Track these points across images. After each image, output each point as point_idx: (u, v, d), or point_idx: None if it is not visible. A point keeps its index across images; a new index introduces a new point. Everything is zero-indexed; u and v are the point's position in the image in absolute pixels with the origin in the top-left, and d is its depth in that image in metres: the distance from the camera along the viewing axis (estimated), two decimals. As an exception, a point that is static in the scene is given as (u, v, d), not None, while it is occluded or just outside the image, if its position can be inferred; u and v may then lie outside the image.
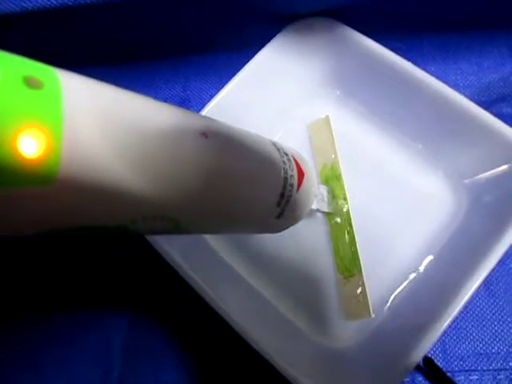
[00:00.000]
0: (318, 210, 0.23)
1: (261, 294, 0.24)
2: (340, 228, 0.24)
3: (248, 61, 0.25)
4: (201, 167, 0.14)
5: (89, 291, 0.25)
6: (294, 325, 0.23)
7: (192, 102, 0.29)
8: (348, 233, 0.23)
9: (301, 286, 0.24)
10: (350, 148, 0.25)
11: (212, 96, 0.25)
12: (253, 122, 0.26)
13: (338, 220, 0.24)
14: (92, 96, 0.11)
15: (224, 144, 0.15)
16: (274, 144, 0.19)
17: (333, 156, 0.25)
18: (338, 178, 0.24)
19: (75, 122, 0.10)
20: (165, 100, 0.29)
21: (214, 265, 0.24)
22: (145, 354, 0.24)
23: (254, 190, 0.16)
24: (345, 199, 0.24)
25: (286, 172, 0.18)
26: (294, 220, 0.19)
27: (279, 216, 0.18)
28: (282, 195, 0.17)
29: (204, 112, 0.24)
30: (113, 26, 0.27)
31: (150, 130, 0.12)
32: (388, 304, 0.23)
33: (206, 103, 0.24)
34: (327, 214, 0.24)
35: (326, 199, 0.24)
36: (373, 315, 0.22)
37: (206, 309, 0.20)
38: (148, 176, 0.12)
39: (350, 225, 0.23)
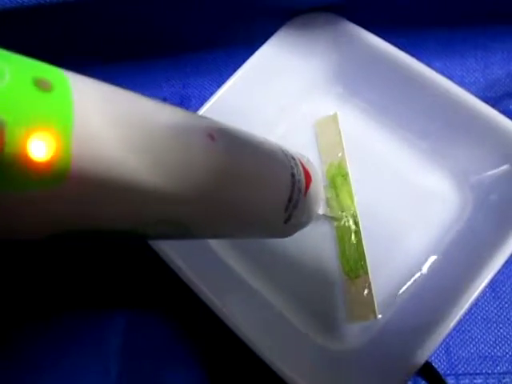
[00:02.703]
0: (323, 215, 0.23)
1: (263, 297, 0.23)
2: (346, 228, 0.24)
3: (249, 57, 0.25)
4: (208, 169, 0.14)
5: (86, 291, 0.25)
6: (297, 327, 0.23)
7: (192, 99, 0.29)
8: (355, 233, 0.23)
9: (304, 288, 0.23)
10: (353, 146, 0.25)
11: (213, 93, 0.24)
12: (254, 118, 0.26)
13: (344, 221, 0.24)
14: (101, 99, 0.11)
15: (231, 147, 0.15)
16: (282, 148, 0.18)
17: (340, 154, 0.25)
18: (345, 176, 0.24)
19: (85, 125, 0.10)
20: (165, 98, 0.29)
21: (215, 267, 0.23)
22: (143, 354, 0.24)
23: (261, 194, 0.16)
24: (351, 198, 0.24)
25: (293, 176, 0.17)
26: (301, 225, 0.19)
27: (286, 221, 0.17)
28: (290, 200, 0.17)
29: (204, 109, 0.24)
30: (111, 23, 0.27)
31: (158, 132, 0.12)
32: (391, 305, 0.22)
33: (207, 100, 0.24)
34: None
35: (331, 204, 0.23)
36: (379, 317, 0.21)
37: (205, 308, 0.20)
38: (156, 179, 0.12)
39: (357, 225, 0.23)
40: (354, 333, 0.22)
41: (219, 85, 0.24)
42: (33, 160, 0.09)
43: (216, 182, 0.14)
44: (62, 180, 0.10)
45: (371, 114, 0.26)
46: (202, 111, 0.24)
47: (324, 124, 0.26)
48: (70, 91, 0.10)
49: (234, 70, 0.24)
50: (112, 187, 0.11)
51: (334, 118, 0.25)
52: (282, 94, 0.26)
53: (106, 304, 0.25)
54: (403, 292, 0.23)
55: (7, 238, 0.10)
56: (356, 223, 0.23)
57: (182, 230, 0.14)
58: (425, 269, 0.23)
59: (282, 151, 0.18)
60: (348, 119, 0.26)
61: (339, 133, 0.25)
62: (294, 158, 0.18)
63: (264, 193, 0.16)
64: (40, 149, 0.09)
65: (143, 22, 0.27)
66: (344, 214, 0.24)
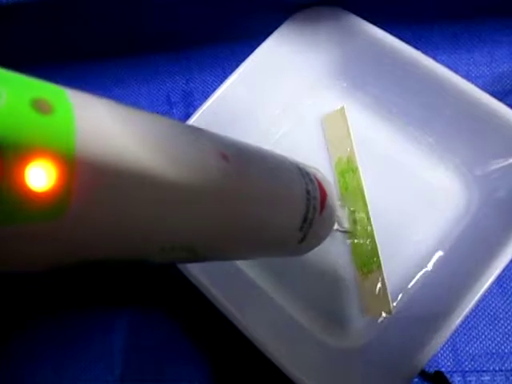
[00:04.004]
0: (337, 230, 0.22)
1: (268, 295, 0.23)
2: (359, 223, 0.23)
3: (252, 52, 0.24)
4: (221, 191, 0.13)
5: (89, 290, 0.25)
6: (304, 326, 0.22)
7: (195, 94, 0.29)
8: (367, 228, 0.23)
9: (313, 285, 0.23)
10: (358, 140, 0.25)
11: (216, 88, 0.24)
12: (258, 114, 0.26)
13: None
14: (106, 119, 0.10)
15: (245, 167, 0.14)
16: (296, 164, 0.18)
17: (348, 149, 0.24)
18: (355, 171, 0.24)
19: (89, 150, 0.09)
20: (168, 93, 0.29)
21: (221, 265, 0.23)
22: (146, 352, 0.24)
23: (275, 215, 0.16)
24: (362, 193, 0.23)
25: (308, 193, 0.16)
26: (316, 243, 0.18)
27: (301, 240, 0.17)
28: (305, 219, 0.16)
29: (207, 104, 0.24)
30: (115, 19, 0.27)
31: (168, 153, 0.12)
32: (397, 301, 0.22)
33: (210, 96, 0.24)
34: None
35: (344, 218, 0.23)
36: (393, 311, 0.21)
37: (208, 306, 0.20)
38: (166, 203, 0.11)
39: (369, 220, 0.23)
40: (361, 330, 0.22)
41: (222, 80, 0.24)
42: (32, 190, 0.08)
43: (229, 203, 0.13)
44: (62, 211, 0.09)
45: (376, 109, 0.25)
46: (205, 106, 0.24)
47: (332, 118, 0.26)
48: (72, 112, 0.09)
49: (237, 65, 0.24)
50: (118, 215, 0.10)
51: (342, 111, 0.25)
52: (286, 89, 0.26)
53: (110, 302, 0.25)
54: (409, 288, 0.22)
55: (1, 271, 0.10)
56: (368, 218, 0.23)
57: (194, 255, 0.13)
58: (431, 265, 0.22)
59: (297, 167, 0.17)
60: (353, 114, 0.25)
61: (347, 127, 0.25)
62: (308, 174, 0.17)
63: (278, 213, 0.16)
64: (40, 178, 0.08)
65: (146, 18, 0.27)
66: (358, 227, 0.23)
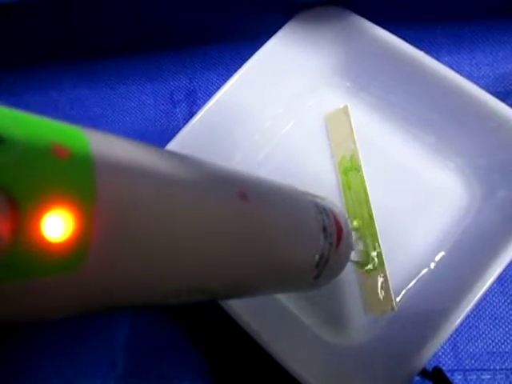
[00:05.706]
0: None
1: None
2: (362, 222, 0.24)
3: (256, 51, 0.25)
4: (240, 234, 0.13)
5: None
6: (306, 323, 0.22)
7: (199, 93, 0.29)
8: (370, 227, 0.23)
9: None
10: (361, 140, 0.25)
11: (219, 87, 0.24)
12: (260, 113, 0.26)
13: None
14: (126, 161, 0.10)
15: (263, 206, 0.14)
16: (313, 200, 0.17)
17: (352, 147, 0.25)
18: (358, 169, 0.24)
19: (109, 195, 0.09)
20: (171, 92, 0.29)
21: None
22: (148, 350, 0.24)
23: (292, 254, 0.15)
24: (365, 191, 0.24)
25: (325, 231, 0.16)
26: (331, 278, 0.18)
27: (317, 277, 0.17)
28: (322, 256, 0.16)
29: (211, 104, 0.24)
30: (120, 18, 0.27)
31: (188, 195, 0.11)
32: (399, 300, 0.22)
33: (213, 95, 0.24)
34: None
35: (359, 250, 0.23)
36: (396, 309, 0.21)
37: (210, 304, 0.20)
38: (184, 249, 0.11)
39: (372, 219, 0.23)
40: (362, 328, 0.22)
41: (226, 79, 0.24)
42: (50, 242, 0.08)
43: (247, 245, 0.13)
44: (80, 262, 0.08)
45: (378, 109, 0.26)
46: (209, 105, 0.24)
47: (335, 117, 0.26)
48: (91, 156, 0.09)
49: (241, 64, 0.24)
50: (135, 262, 0.10)
51: (345, 110, 0.25)
52: (289, 89, 0.26)
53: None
54: (410, 287, 0.22)
55: (10, 322, 0.09)
56: (371, 217, 0.23)
57: (211, 295, 0.13)
58: (432, 264, 0.23)
59: (314, 203, 0.17)
60: (355, 113, 0.26)
61: (350, 125, 0.25)
62: (325, 209, 0.17)
63: (295, 251, 0.15)
64: (58, 228, 0.08)
65: (150, 16, 0.27)
66: (370, 256, 0.23)
